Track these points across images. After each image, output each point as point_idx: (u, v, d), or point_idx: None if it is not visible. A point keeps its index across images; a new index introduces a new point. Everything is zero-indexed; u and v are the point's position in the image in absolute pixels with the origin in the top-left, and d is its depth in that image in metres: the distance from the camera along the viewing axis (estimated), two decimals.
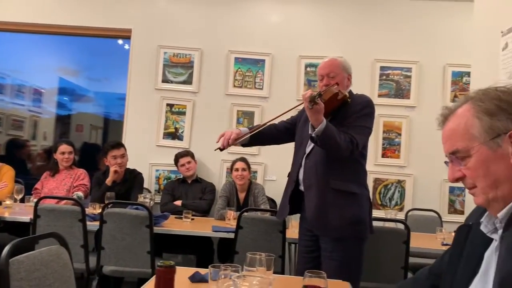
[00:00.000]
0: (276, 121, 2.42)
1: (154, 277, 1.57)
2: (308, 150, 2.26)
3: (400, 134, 4.38)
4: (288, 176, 2.42)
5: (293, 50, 4.47)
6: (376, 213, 4.11)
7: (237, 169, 3.80)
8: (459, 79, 4.35)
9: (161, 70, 4.48)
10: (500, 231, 0.97)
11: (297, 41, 4.48)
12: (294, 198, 2.30)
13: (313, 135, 2.02)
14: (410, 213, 4.11)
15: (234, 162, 3.87)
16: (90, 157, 5.49)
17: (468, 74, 4.30)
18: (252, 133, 2.29)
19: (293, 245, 3.52)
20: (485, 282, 0.97)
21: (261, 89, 4.46)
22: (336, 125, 2.10)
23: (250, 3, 4.56)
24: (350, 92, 2.31)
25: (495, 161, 0.95)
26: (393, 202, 4.35)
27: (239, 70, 4.47)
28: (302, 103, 2.11)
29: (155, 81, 4.48)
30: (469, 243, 1.08)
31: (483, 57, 2.12)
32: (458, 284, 1.05)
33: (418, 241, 3.04)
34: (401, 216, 4.03)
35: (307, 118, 2.32)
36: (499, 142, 0.94)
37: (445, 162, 1.05)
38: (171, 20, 4.53)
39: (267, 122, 2.35)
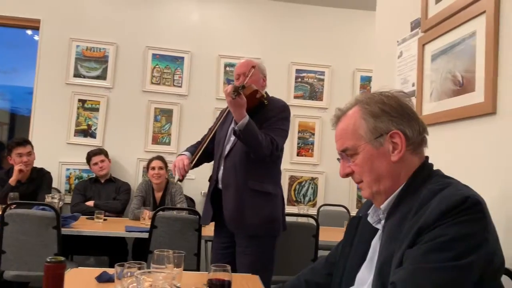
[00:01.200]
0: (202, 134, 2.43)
1: None
2: (227, 150, 2.30)
3: (313, 134, 4.60)
4: (209, 180, 2.44)
5: (212, 49, 4.49)
6: (290, 209, 4.28)
7: (153, 168, 3.74)
8: (367, 83, 4.66)
9: (72, 64, 4.26)
10: (383, 221, 1.08)
11: (217, 40, 4.52)
12: (214, 197, 2.33)
13: (236, 128, 2.07)
14: (322, 208, 4.33)
15: (150, 161, 3.80)
16: None
17: None
18: (199, 152, 2.30)
19: (209, 243, 3.54)
20: (371, 268, 1.08)
21: (180, 86, 4.43)
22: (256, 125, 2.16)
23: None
24: (267, 94, 2.39)
25: (378, 158, 1.05)
26: (307, 199, 4.55)
27: (157, 66, 4.40)
28: (225, 113, 2.18)
29: (66, 75, 4.25)
30: (358, 233, 1.19)
31: (382, 64, 2.31)
32: (349, 270, 1.15)
33: (328, 235, 3.21)
34: (313, 211, 4.24)
35: (226, 118, 2.37)
36: (381, 141, 1.05)
37: (338, 159, 1.15)
38: (84, 11, 4.33)
39: (205, 140, 2.35)
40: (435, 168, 1.09)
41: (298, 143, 4.57)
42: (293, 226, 2.90)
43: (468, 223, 0.88)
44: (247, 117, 2.07)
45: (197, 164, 2.38)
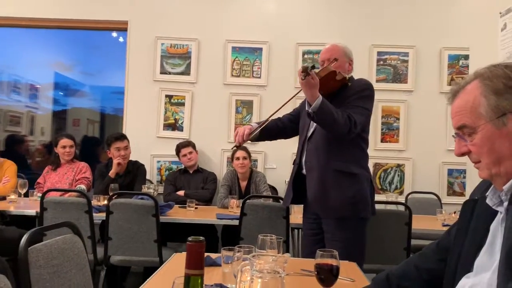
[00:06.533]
0: (279, 114, 2.43)
1: (162, 266, 1.61)
2: (309, 133, 2.29)
3: (398, 119, 4.42)
4: (293, 163, 2.46)
5: (290, 38, 4.47)
6: (377, 197, 4.16)
7: (238, 158, 3.84)
8: (456, 62, 4.38)
9: (158, 61, 4.48)
10: (505, 203, 1.00)
11: (294, 28, 4.49)
12: (298, 183, 2.34)
13: (309, 111, 2.03)
14: (410, 196, 4.16)
15: (234, 151, 3.90)
16: (90, 150, 5.51)
17: (465, 57, 4.33)
18: (262, 126, 2.33)
19: (296, 230, 3.57)
20: (492, 253, 1.01)
21: (259, 77, 4.48)
22: (336, 106, 2.11)
23: None
24: (352, 77, 2.33)
25: (499, 139, 0.97)
26: (393, 186, 4.40)
27: (237, 59, 4.48)
28: (300, 91, 2.15)
29: (153, 73, 4.49)
30: (475, 216, 1.11)
31: (481, 38, 2.15)
32: (465, 256, 1.09)
33: (419, 223, 3.09)
34: (401, 199, 4.08)
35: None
36: (504, 121, 0.96)
37: (453, 136, 1.08)
38: (167, 10, 4.52)
39: (272, 114, 2.37)
40: None
41: (382, 129, 4.42)
42: (383, 213, 2.83)
43: None
44: (320, 97, 2.01)
45: (261, 137, 2.40)
